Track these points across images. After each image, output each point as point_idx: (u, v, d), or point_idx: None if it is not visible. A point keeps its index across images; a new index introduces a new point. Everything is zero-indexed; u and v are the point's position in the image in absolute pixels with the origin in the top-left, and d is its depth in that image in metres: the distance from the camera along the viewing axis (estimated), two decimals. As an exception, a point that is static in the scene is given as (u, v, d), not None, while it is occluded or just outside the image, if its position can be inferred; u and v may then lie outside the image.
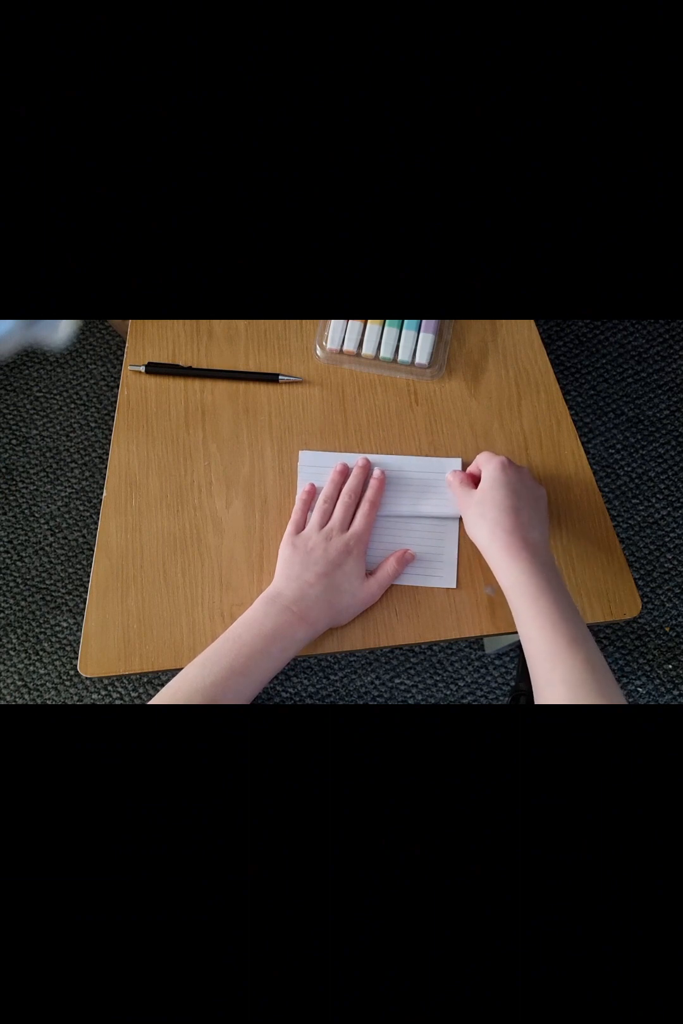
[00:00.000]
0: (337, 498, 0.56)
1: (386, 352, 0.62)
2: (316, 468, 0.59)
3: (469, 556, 0.57)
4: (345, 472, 0.58)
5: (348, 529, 0.55)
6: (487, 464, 0.53)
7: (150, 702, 0.44)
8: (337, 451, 0.60)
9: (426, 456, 0.60)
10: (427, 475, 0.59)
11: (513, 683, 1.11)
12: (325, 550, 0.53)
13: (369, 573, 0.55)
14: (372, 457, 0.60)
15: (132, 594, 0.56)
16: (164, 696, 0.46)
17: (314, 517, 0.56)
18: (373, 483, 0.57)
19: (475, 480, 0.55)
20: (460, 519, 0.57)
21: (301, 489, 0.58)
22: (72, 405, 1.30)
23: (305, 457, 0.60)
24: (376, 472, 0.58)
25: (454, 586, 0.56)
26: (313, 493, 0.57)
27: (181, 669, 0.48)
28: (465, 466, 0.59)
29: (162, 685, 1.33)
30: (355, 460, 0.59)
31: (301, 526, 0.56)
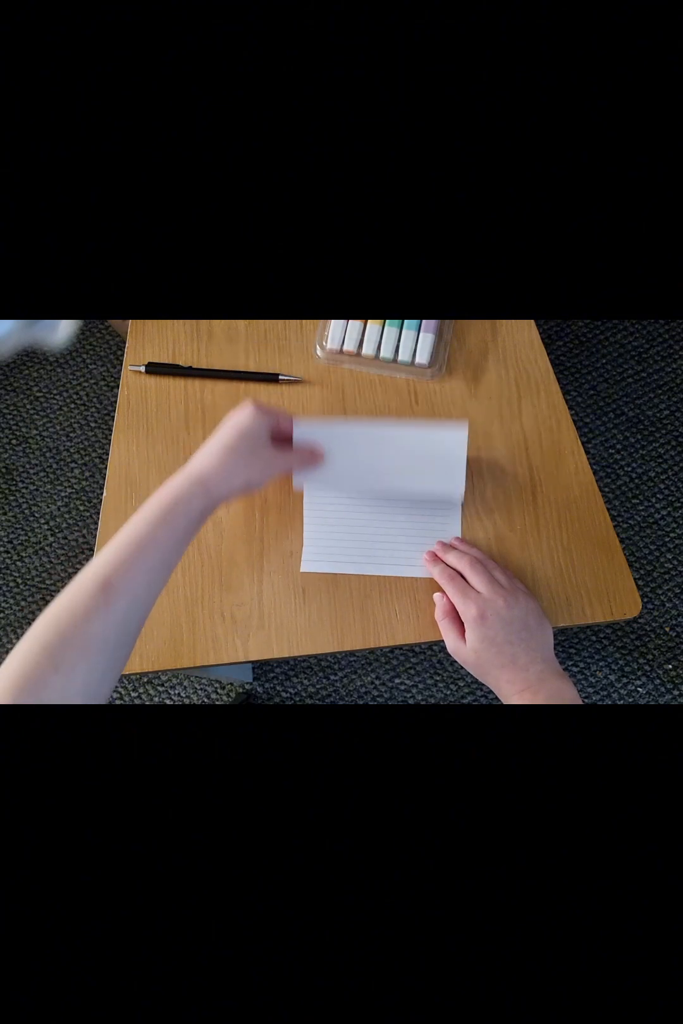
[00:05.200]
0: None
1: (386, 352, 0.62)
2: (312, 439, 0.56)
3: (469, 556, 0.56)
4: None
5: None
6: (467, 622, 0.50)
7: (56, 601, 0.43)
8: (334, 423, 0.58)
9: (429, 423, 0.57)
10: (429, 447, 0.56)
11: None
12: (237, 417, 0.50)
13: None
14: (373, 422, 0.58)
15: (132, 594, 0.56)
16: (70, 591, 0.44)
17: None
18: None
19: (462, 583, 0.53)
20: (462, 504, 0.57)
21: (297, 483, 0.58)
22: (72, 405, 1.30)
23: (300, 428, 0.56)
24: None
25: None
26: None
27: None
28: (469, 446, 0.56)
29: (162, 685, 1.32)
30: (352, 427, 0.57)
31: None
